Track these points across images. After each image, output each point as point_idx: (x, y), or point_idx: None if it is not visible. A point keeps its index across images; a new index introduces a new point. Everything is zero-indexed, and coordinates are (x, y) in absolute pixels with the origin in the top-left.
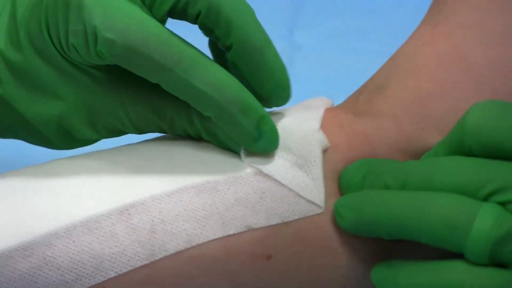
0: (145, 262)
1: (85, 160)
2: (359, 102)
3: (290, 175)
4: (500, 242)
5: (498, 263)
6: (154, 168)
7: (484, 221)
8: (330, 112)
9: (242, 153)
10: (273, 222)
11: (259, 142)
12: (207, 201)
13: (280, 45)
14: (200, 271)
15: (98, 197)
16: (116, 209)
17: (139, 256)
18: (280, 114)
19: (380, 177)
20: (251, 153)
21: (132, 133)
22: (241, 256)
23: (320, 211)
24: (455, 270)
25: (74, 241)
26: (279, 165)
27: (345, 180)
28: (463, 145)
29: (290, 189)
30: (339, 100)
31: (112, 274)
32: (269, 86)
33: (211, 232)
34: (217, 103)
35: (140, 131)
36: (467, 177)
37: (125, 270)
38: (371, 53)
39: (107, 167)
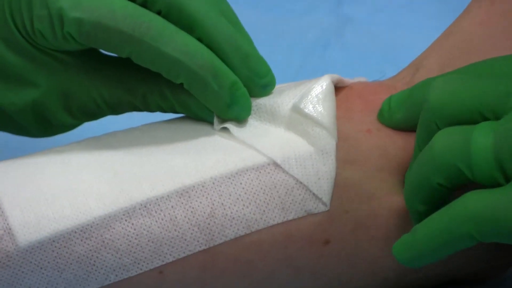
0: (204, 247)
1: (141, 136)
2: (415, 81)
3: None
4: (503, 149)
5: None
6: (212, 147)
7: (481, 133)
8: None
9: (215, 121)
10: (332, 207)
11: (232, 108)
12: (267, 184)
13: (329, 19)
14: (259, 256)
15: (158, 179)
16: (176, 191)
17: (198, 241)
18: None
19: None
20: (224, 121)
21: (107, 114)
22: (300, 241)
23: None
24: (465, 200)
25: (133, 224)
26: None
27: (384, 106)
28: (431, 124)
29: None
30: (389, 75)
31: (170, 259)
32: (244, 74)
33: (270, 217)
34: (189, 69)
35: (115, 112)
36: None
37: (183, 255)
38: (421, 26)
39: (163, 146)
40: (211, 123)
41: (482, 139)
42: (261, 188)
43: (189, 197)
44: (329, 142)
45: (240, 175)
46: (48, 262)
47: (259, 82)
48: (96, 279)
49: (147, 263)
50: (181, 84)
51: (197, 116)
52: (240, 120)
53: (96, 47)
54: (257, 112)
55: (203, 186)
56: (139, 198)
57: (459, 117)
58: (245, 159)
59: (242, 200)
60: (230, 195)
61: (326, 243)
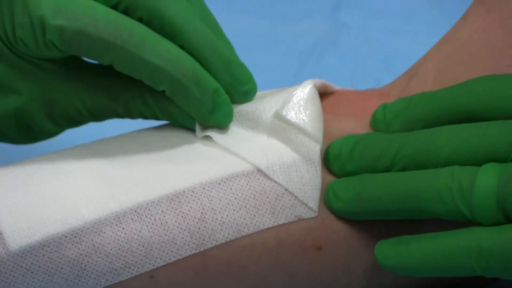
0: (194, 251)
1: (131, 143)
2: (410, 88)
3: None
4: (506, 192)
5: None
6: (202, 153)
7: (486, 176)
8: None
9: (197, 128)
10: (323, 214)
11: (214, 115)
12: (257, 190)
13: (325, 25)
14: (252, 260)
15: (148, 184)
16: (166, 196)
17: (188, 245)
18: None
19: (372, 145)
20: (206, 128)
21: (90, 121)
22: (292, 246)
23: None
24: (472, 234)
25: (123, 228)
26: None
27: (333, 152)
28: (461, 111)
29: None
30: (385, 81)
31: (161, 263)
32: (225, 81)
33: (261, 222)
34: (171, 76)
35: (97, 119)
36: (471, 137)
37: (174, 259)
38: (417, 33)
39: (154, 152)
40: (193, 130)
41: (485, 182)
42: (251, 194)
43: (180, 202)
44: (312, 149)
45: (230, 180)
46: (39, 267)
47: (240, 88)
48: (87, 283)
49: (138, 267)
50: (163, 91)
51: (179, 123)
52: (222, 127)
53: (78, 55)
54: (239, 119)
55: (193, 192)
56: (129, 203)
57: (467, 162)
58: (235, 165)
59: (232, 205)
60: (220, 200)
61: (318, 249)
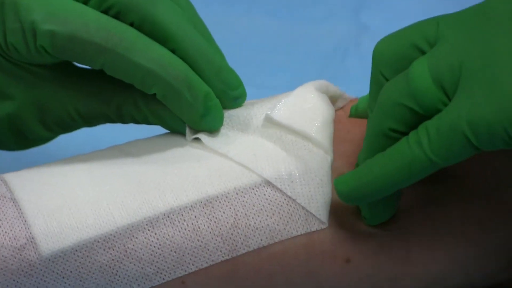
0: (227, 257)
1: (163, 145)
2: None
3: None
4: (437, 68)
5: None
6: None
7: (416, 66)
8: None
9: (187, 132)
10: (354, 227)
11: (205, 119)
12: (290, 196)
13: (347, 27)
14: (280, 268)
15: (181, 188)
16: (199, 201)
17: (220, 251)
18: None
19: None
20: (197, 132)
21: (82, 126)
22: (321, 255)
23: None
24: (419, 128)
25: (156, 234)
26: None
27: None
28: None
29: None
30: None
31: (193, 269)
32: (216, 86)
33: (294, 228)
34: (163, 80)
35: (90, 124)
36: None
37: (206, 265)
38: None
39: (186, 155)
40: (184, 134)
41: (418, 68)
42: (285, 200)
43: (213, 207)
44: (302, 146)
45: (263, 186)
46: (71, 272)
47: (231, 94)
48: None
49: (170, 273)
50: (155, 95)
51: (170, 127)
52: (212, 131)
53: (70, 60)
54: (229, 122)
55: (226, 197)
56: (162, 207)
57: (399, 59)
58: (270, 170)
59: (265, 210)
60: (254, 206)
61: (347, 261)
